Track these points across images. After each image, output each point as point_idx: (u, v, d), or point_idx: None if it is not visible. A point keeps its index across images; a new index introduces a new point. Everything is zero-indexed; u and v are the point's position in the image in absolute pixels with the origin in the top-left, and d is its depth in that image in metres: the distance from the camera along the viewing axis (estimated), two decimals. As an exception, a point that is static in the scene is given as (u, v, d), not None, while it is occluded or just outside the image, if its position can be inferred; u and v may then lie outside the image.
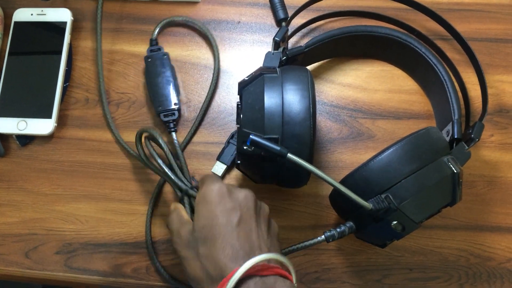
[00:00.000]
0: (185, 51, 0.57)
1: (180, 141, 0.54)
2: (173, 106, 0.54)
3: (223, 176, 0.53)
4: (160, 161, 0.49)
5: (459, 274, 0.50)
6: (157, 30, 0.56)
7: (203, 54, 0.57)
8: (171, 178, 0.49)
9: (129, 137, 0.55)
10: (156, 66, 0.55)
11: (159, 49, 0.56)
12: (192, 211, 0.49)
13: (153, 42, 0.56)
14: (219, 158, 0.53)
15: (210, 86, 0.55)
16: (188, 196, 0.48)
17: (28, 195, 0.54)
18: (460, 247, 0.51)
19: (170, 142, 0.53)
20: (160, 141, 0.49)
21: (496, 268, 0.50)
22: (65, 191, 0.54)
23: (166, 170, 0.49)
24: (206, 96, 0.55)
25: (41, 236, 0.52)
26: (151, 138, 0.49)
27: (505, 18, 0.57)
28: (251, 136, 0.40)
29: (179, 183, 0.49)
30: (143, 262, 0.51)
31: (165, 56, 0.55)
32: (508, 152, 0.53)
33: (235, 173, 0.53)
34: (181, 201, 0.49)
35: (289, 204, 0.52)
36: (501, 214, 0.51)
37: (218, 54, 0.56)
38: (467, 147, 0.44)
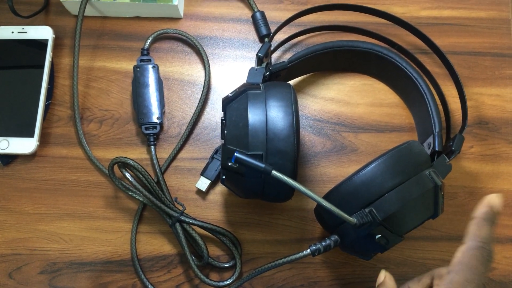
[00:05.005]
0: (168, 67, 0.57)
1: (164, 157, 0.54)
2: (155, 120, 0.54)
3: (207, 191, 0.53)
4: (144, 190, 0.49)
5: (443, 285, 0.50)
6: (149, 40, 0.56)
7: (186, 70, 0.57)
8: (159, 206, 0.49)
9: (113, 154, 0.54)
10: (144, 77, 0.55)
11: (149, 60, 0.56)
12: (186, 237, 0.49)
13: (144, 52, 0.56)
14: (203, 173, 0.53)
15: (199, 101, 0.55)
16: (179, 222, 0.49)
17: (10, 215, 0.53)
18: (443, 258, 0.51)
19: (150, 157, 0.53)
20: (140, 169, 0.49)
21: (479, 277, 0.51)
22: (49, 210, 0.53)
23: (153, 198, 0.49)
24: (195, 112, 0.55)
25: (24, 256, 0.52)
26: (127, 166, 0.49)
27: (483, 32, 0.58)
28: (235, 153, 0.40)
29: (169, 210, 0.49)
30: (128, 280, 0.51)
31: (154, 68, 0.55)
32: (487, 163, 0.54)
33: (220, 188, 0.53)
34: (171, 227, 0.49)
35: (275, 218, 0.52)
36: (483, 224, 0.52)
37: (210, 69, 0.56)
38: (448, 160, 0.45)
